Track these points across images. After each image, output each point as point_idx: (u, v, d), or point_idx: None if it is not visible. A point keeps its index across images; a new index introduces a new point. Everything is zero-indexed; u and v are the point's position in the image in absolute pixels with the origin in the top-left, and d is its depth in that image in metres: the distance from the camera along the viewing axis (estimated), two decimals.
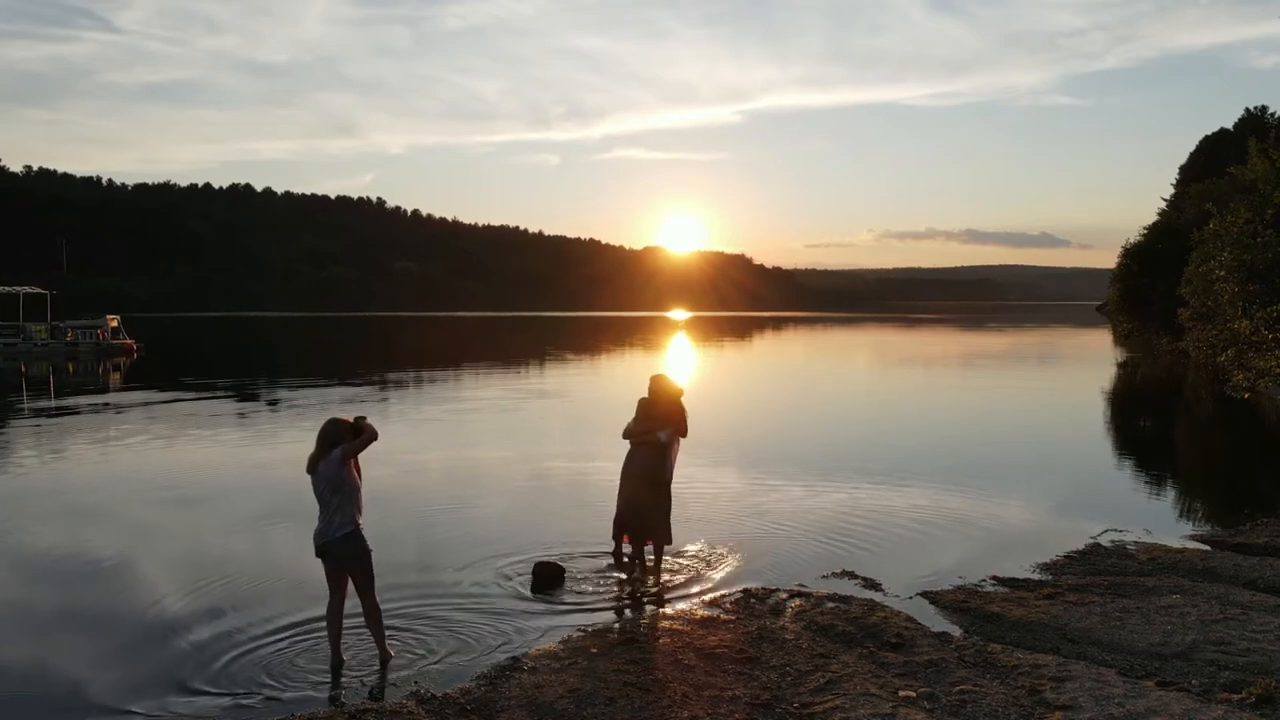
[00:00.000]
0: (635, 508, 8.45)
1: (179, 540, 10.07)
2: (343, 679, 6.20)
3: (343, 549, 6.29)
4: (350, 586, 6.44)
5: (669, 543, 8.60)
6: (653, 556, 8.59)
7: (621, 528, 8.63)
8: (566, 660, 6.33)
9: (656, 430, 8.44)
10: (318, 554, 6.39)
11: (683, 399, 8.72)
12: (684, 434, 8.60)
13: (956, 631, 7.03)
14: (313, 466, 6.32)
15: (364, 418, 6.43)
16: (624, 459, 8.63)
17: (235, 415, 21.94)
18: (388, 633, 6.65)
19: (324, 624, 6.57)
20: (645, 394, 8.69)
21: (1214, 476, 15.49)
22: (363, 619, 6.52)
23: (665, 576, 8.46)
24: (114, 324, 49.73)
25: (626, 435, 8.63)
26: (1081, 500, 12.17)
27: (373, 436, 6.36)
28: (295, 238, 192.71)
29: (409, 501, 11.78)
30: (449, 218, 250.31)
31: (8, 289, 51.60)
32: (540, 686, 5.85)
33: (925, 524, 10.65)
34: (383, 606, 6.63)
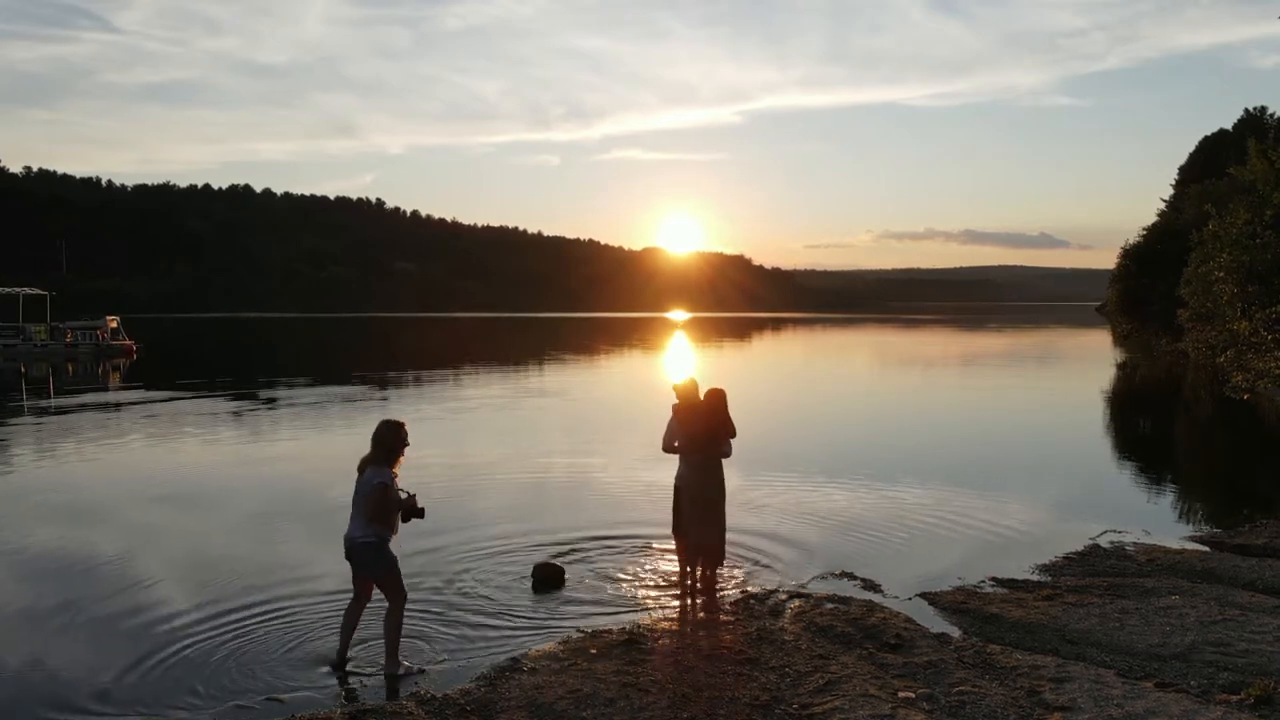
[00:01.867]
0: (718, 529, 8.01)
1: (177, 539, 10.08)
2: (348, 680, 6.21)
3: (362, 556, 6.31)
4: (378, 593, 6.44)
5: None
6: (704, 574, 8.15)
7: (700, 552, 8.01)
8: (566, 661, 6.34)
9: (722, 443, 8.01)
10: (345, 555, 6.41)
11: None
12: (734, 436, 8.21)
13: (956, 632, 7.04)
14: (361, 467, 6.32)
15: (415, 498, 6.34)
16: (688, 479, 7.94)
17: (234, 415, 21.94)
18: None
19: (324, 624, 6.58)
20: (680, 402, 8.11)
21: (1213, 477, 15.50)
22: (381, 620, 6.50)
23: (663, 579, 8.48)
24: (113, 325, 49.70)
25: (689, 451, 7.93)
26: (1081, 501, 12.18)
27: (402, 521, 6.32)
28: (295, 238, 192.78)
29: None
30: (449, 218, 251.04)
31: (7, 290, 51.48)
32: (540, 687, 5.86)
33: (925, 524, 10.66)
34: (380, 608, 6.60)
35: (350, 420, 20.78)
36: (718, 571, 8.25)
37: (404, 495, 6.33)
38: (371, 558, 6.28)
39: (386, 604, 6.38)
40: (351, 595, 6.52)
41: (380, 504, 6.17)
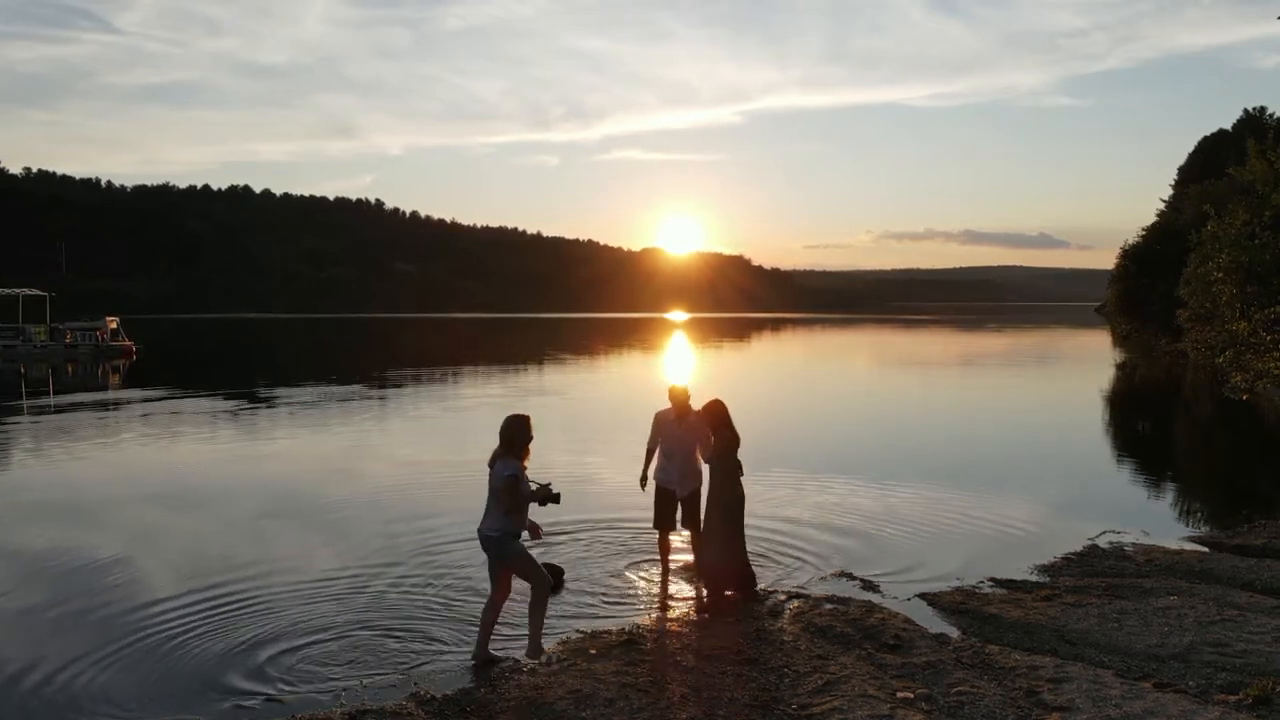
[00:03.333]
0: (738, 549, 7.94)
1: (176, 540, 10.08)
2: (344, 680, 6.21)
3: (490, 547, 6.42)
4: (515, 585, 6.58)
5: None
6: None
7: (714, 573, 7.92)
8: (566, 661, 6.35)
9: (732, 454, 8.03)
10: (482, 547, 6.54)
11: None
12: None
13: (954, 633, 7.05)
14: (491, 461, 6.45)
15: (549, 486, 6.45)
16: (728, 497, 7.91)
17: (232, 415, 21.92)
18: (496, 638, 6.57)
19: (324, 623, 6.59)
20: (671, 408, 8.29)
21: (1212, 477, 15.51)
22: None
23: (663, 580, 8.49)
24: (113, 325, 49.67)
25: (713, 460, 8.00)
26: (1079, 501, 12.19)
27: (530, 502, 6.43)
28: (295, 238, 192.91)
29: (408, 500, 11.78)
30: (448, 219, 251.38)
31: (7, 291, 51.43)
32: (540, 688, 5.87)
33: (924, 525, 10.66)
34: (380, 607, 6.63)
35: (348, 420, 20.80)
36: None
37: (535, 486, 6.41)
38: (496, 549, 6.39)
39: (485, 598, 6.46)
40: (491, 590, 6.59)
41: (511, 496, 6.26)
